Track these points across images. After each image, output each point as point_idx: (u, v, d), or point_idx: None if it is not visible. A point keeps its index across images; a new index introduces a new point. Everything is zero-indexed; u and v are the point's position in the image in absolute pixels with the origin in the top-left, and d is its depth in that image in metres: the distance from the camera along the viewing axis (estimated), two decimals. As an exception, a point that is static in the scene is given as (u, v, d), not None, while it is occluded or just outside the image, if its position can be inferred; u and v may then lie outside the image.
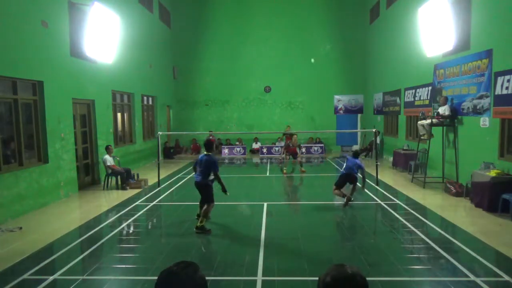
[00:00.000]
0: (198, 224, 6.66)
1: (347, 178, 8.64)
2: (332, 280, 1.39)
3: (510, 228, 6.69)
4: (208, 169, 6.70)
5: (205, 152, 6.92)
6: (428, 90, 11.90)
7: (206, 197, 6.83)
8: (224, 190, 6.81)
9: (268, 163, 16.47)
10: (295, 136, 13.77)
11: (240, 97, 20.43)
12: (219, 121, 20.51)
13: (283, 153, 14.26)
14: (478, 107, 8.90)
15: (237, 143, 19.70)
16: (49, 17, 8.89)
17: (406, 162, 12.64)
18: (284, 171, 13.50)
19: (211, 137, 19.19)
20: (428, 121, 10.30)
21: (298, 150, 13.91)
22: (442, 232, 6.56)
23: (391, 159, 14.75)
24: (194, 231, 6.77)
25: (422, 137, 10.86)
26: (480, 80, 8.81)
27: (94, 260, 5.48)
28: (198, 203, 7.14)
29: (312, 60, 19.98)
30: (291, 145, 13.76)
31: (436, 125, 10.26)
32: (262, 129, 19.70)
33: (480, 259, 5.28)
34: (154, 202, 9.07)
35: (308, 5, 19.90)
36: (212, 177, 6.83)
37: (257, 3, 20.02)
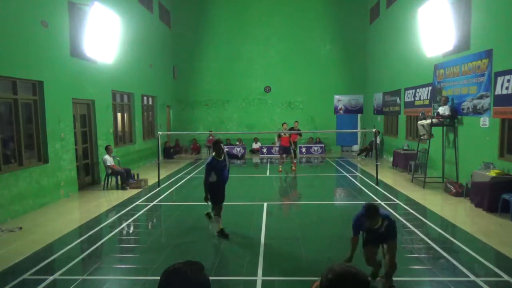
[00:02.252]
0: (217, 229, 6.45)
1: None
2: (334, 277, 1.39)
3: (510, 228, 6.69)
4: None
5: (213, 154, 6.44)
6: (428, 90, 11.90)
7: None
8: (205, 198, 6.34)
9: (268, 163, 16.47)
10: (285, 125, 13.25)
11: (240, 97, 20.43)
12: (219, 121, 20.51)
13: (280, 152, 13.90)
14: (478, 107, 8.90)
15: (237, 143, 19.70)
16: (49, 17, 8.89)
17: (406, 162, 12.63)
18: (280, 169, 13.54)
19: (211, 137, 19.28)
20: (428, 121, 10.30)
21: (293, 145, 13.40)
22: (442, 232, 6.56)
23: (391, 159, 14.75)
24: (194, 232, 6.78)
25: (422, 137, 10.86)
26: (480, 80, 8.81)
27: (94, 260, 5.48)
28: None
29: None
30: (282, 134, 13.13)
31: (436, 125, 10.26)
32: (262, 129, 19.69)
33: (480, 259, 5.28)
34: (154, 202, 9.06)
35: (308, 5, 19.90)
36: (213, 178, 6.30)
37: (257, 3, 20.01)
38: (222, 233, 6.40)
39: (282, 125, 13.42)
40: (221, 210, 6.53)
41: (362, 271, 1.42)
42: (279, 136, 13.55)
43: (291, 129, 13.56)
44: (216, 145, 6.43)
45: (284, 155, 13.73)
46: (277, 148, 18.67)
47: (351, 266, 1.44)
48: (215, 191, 6.43)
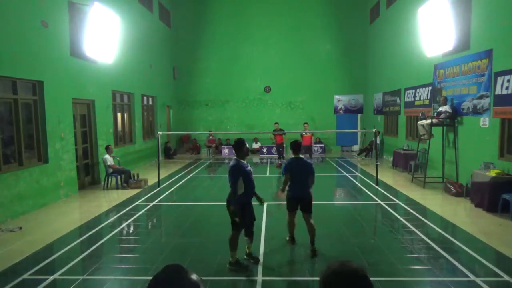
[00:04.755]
0: (231, 259, 5.15)
1: (301, 202, 5.77)
2: (333, 273, 1.39)
3: (510, 228, 6.69)
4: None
5: (234, 157, 5.25)
6: (428, 90, 11.90)
7: (231, 220, 5.14)
8: (236, 215, 5.02)
9: (268, 163, 16.47)
10: (306, 125, 14.52)
11: (240, 97, 20.43)
12: (219, 121, 20.51)
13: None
14: (478, 107, 8.90)
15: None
16: (49, 17, 8.89)
17: (406, 162, 12.64)
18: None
19: (211, 137, 19.28)
20: (428, 121, 10.30)
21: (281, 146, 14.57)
22: (442, 232, 6.56)
23: (391, 159, 14.75)
24: (194, 232, 6.76)
25: (422, 137, 10.86)
26: (480, 80, 8.81)
27: (94, 260, 5.48)
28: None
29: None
30: (304, 134, 14.39)
31: (436, 125, 10.26)
32: (262, 129, 19.68)
33: (480, 259, 5.28)
34: (154, 202, 9.06)
35: (308, 5, 19.90)
36: (241, 189, 5.00)
37: (257, 3, 20.01)
38: (250, 256, 5.36)
39: (304, 124, 14.49)
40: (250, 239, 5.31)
41: (361, 265, 1.42)
42: (301, 135, 14.42)
43: (275, 130, 14.63)
44: (239, 144, 5.15)
45: (307, 155, 14.48)
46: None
47: (349, 261, 1.43)
48: (240, 208, 5.02)
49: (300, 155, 5.86)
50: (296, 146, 5.91)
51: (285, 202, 5.97)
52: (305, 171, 5.68)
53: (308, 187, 5.75)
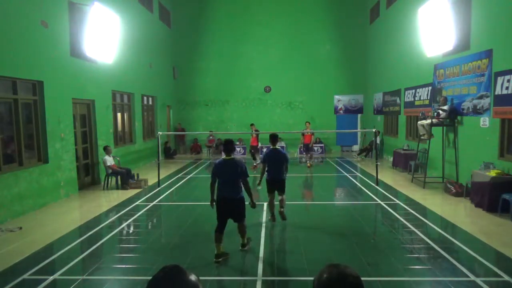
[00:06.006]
0: (242, 241, 5.63)
1: (275, 184, 7.09)
2: (326, 280, 1.39)
3: (510, 228, 6.69)
4: (238, 178, 5.41)
5: (223, 157, 5.51)
6: (428, 90, 11.89)
7: (240, 214, 5.49)
8: (253, 205, 5.63)
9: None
10: (308, 124, 14.72)
11: (240, 97, 20.41)
12: (219, 121, 20.50)
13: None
14: (478, 107, 8.90)
15: (237, 143, 19.66)
16: (49, 17, 8.89)
17: (406, 162, 12.64)
18: (309, 164, 14.39)
19: (211, 137, 19.29)
20: (428, 121, 10.30)
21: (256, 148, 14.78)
22: (442, 232, 6.56)
23: (391, 159, 14.75)
24: (194, 232, 6.75)
25: (422, 137, 10.85)
26: (480, 80, 8.81)
27: (94, 260, 5.48)
28: (216, 232, 5.38)
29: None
30: (305, 133, 14.48)
31: (436, 125, 10.26)
32: (262, 129, 19.60)
33: (480, 259, 5.28)
34: (154, 202, 9.06)
35: (308, 5, 19.89)
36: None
37: (257, 3, 20.00)
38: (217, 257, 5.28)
39: (306, 123, 14.84)
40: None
41: (354, 271, 1.41)
42: (302, 134, 14.69)
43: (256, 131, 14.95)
44: (232, 144, 5.55)
45: (309, 154, 14.91)
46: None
47: (344, 267, 1.42)
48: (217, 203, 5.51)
49: (277, 147, 7.10)
50: (273, 138, 7.11)
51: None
52: (279, 160, 6.90)
53: (282, 172, 6.96)
